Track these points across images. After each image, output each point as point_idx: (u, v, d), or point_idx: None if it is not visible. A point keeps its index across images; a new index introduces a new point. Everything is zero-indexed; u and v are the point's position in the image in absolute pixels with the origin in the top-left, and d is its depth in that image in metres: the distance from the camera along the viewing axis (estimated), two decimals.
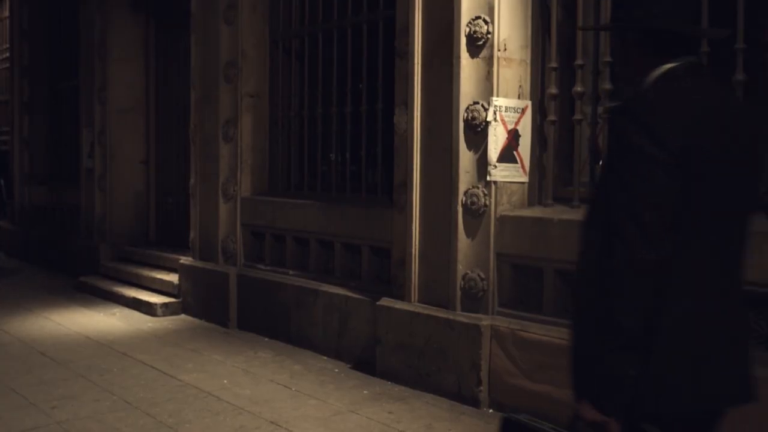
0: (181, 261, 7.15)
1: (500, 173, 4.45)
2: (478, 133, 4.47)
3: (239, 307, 6.42)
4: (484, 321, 4.44)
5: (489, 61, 4.45)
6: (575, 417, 1.74)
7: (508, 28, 4.47)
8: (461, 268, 4.55)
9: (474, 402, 4.42)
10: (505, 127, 4.44)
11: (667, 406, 1.72)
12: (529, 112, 4.52)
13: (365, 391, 4.71)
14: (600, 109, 4.33)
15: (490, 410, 4.37)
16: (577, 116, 4.38)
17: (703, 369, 1.73)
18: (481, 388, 4.40)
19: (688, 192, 1.70)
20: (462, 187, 4.53)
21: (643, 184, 1.67)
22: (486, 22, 4.44)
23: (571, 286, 4.18)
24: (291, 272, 6.06)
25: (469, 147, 4.52)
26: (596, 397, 1.69)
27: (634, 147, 1.69)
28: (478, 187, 4.49)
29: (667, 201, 1.67)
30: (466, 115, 4.50)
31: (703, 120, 1.75)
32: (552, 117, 4.49)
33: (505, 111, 4.44)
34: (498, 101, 4.41)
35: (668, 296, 1.68)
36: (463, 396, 4.47)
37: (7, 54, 11.39)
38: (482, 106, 4.44)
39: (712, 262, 1.78)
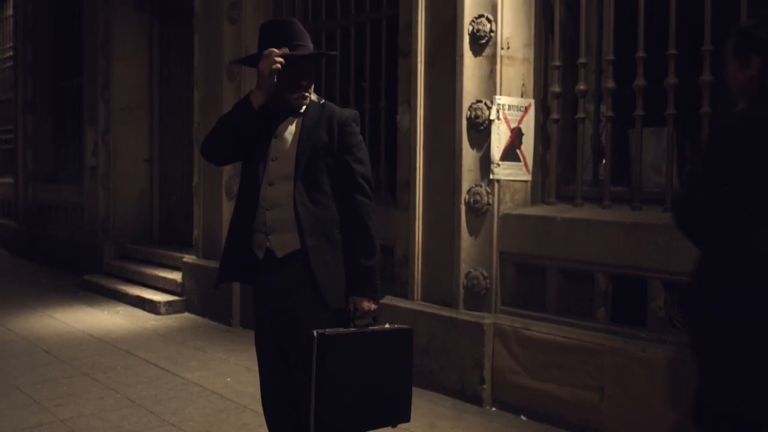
0: (185, 259, 7.17)
1: (503, 171, 4.45)
2: (481, 132, 4.47)
3: (242, 306, 6.43)
4: (487, 319, 4.44)
5: (492, 59, 4.45)
6: (352, 312, 2.65)
7: (511, 27, 4.47)
8: (464, 267, 4.55)
9: (477, 400, 4.42)
10: (508, 125, 4.44)
11: None
12: (532, 111, 4.53)
13: None
14: (603, 108, 4.34)
15: (493, 408, 4.38)
16: (580, 114, 4.38)
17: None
18: (484, 386, 4.41)
19: None
20: (465, 185, 4.53)
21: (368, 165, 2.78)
22: (489, 21, 4.44)
23: (572, 284, 4.19)
24: None
25: (472, 145, 4.52)
26: (374, 292, 2.68)
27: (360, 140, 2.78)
28: (481, 186, 4.49)
29: None
30: (469, 113, 4.50)
31: None
32: (555, 115, 4.49)
33: (508, 109, 4.44)
34: (501, 99, 4.41)
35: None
36: (466, 394, 4.48)
37: (11, 53, 11.39)
38: (485, 104, 4.44)
39: None
